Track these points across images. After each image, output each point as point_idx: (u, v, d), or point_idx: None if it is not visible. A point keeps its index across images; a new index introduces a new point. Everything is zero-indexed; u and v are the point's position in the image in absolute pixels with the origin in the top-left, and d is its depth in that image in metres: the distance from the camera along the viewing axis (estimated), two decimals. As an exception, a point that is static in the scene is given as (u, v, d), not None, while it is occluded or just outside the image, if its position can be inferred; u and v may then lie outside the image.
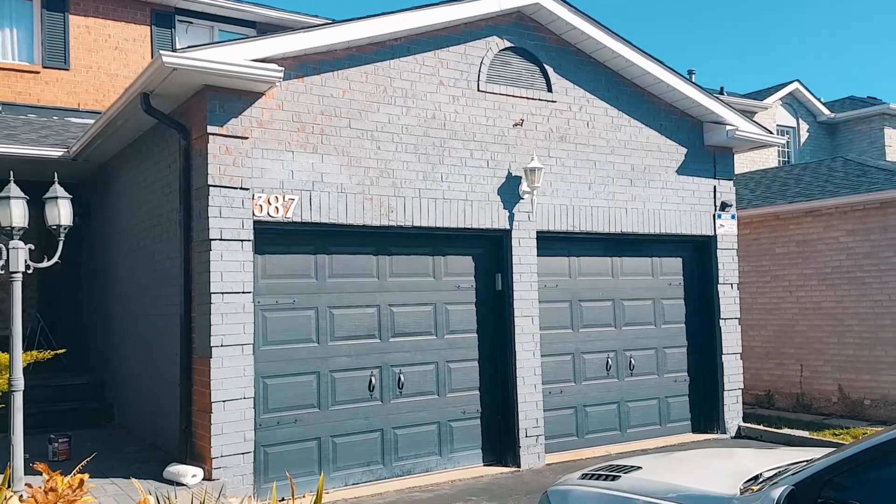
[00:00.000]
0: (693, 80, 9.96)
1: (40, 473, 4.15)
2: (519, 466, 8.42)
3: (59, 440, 7.42)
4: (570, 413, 9.20)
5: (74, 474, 4.27)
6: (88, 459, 4.75)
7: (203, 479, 6.63)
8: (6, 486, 4.32)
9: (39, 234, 11.66)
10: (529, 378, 8.60)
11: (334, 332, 7.74)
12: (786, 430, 10.07)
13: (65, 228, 5.42)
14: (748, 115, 17.03)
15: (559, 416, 9.05)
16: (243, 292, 6.97)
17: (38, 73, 12.44)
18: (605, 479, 4.22)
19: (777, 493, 3.01)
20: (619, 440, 9.43)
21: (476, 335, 8.61)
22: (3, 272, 5.23)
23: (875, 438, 3.21)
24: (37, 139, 10.19)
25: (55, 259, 5.34)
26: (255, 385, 7.07)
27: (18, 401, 5.12)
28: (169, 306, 7.72)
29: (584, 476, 4.46)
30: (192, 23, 13.86)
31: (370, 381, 7.89)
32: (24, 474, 5.48)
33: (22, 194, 5.23)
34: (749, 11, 62.95)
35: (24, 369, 5.72)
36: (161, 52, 6.37)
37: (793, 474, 3.24)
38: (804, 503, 3.00)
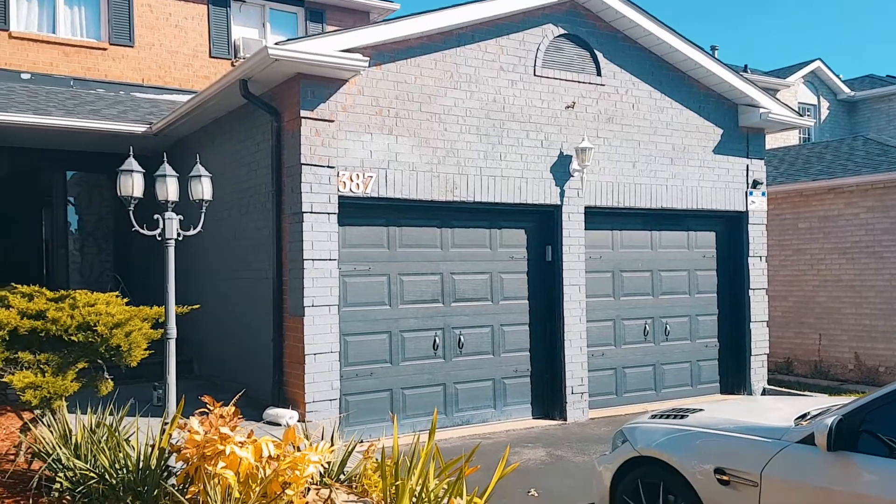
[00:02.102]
0: (717, 57, 10.58)
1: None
2: (565, 420, 9.30)
3: (163, 388, 8.31)
4: (611, 373, 10.06)
5: (228, 405, 5.13)
6: (237, 398, 5.56)
7: (297, 421, 7.53)
8: (180, 414, 5.19)
9: (115, 201, 12.52)
10: (576, 341, 9.44)
11: (403, 297, 8.59)
12: (807, 393, 10.91)
13: (206, 202, 6.25)
14: (771, 92, 17.66)
15: (601, 376, 9.91)
16: (330, 259, 7.81)
17: (105, 49, 13.19)
18: (674, 418, 5.07)
19: (829, 420, 3.82)
20: (654, 399, 10.29)
21: (527, 301, 9.44)
22: (159, 238, 6.06)
23: (904, 382, 4.02)
24: (117, 115, 10.98)
25: (199, 228, 6.18)
26: (339, 341, 7.94)
27: (172, 347, 6.03)
28: (258, 271, 8.58)
29: (653, 416, 5.32)
30: (245, 2, 14.55)
31: (434, 340, 8.75)
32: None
33: (174, 173, 6.04)
34: (769, -16, 62.61)
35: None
36: (266, 45, 7.14)
37: (839, 409, 4.07)
38: (850, 430, 3.82)
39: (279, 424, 7.43)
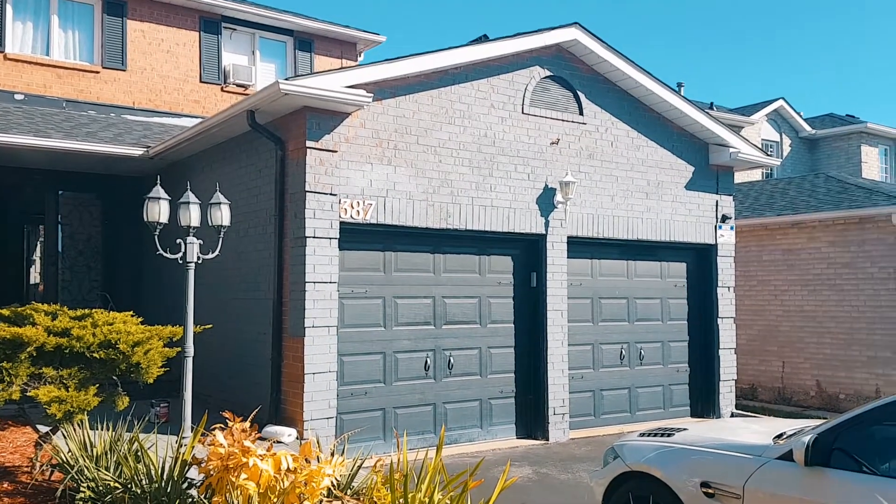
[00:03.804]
0: (682, 94, 11.25)
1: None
2: (547, 440, 9.73)
3: (161, 405, 8.58)
4: (589, 395, 10.53)
5: (242, 421, 5.46)
6: (253, 414, 5.89)
7: (296, 439, 7.84)
8: (203, 428, 5.50)
9: (105, 221, 12.74)
10: (558, 364, 9.90)
11: (398, 319, 8.98)
12: (773, 418, 11.50)
13: (224, 227, 6.59)
14: (736, 129, 18.54)
15: (580, 398, 10.37)
16: (330, 282, 8.19)
17: (98, 72, 13.44)
18: (661, 436, 5.53)
19: (806, 439, 4.31)
20: (629, 421, 10.77)
21: (513, 325, 9.89)
22: (181, 261, 6.39)
23: (870, 405, 4.53)
24: (113, 137, 11.24)
25: (217, 252, 6.51)
26: (336, 361, 8.28)
27: (189, 365, 6.37)
28: (257, 292, 8.90)
29: (641, 435, 5.77)
30: (235, 30, 14.94)
31: (426, 361, 9.14)
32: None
33: (196, 200, 6.38)
34: (737, 28, 64.90)
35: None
36: (278, 80, 7.55)
37: (813, 429, 4.56)
38: (824, 448, 4.30)
39: (279, 442, 7.71)
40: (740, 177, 20.19)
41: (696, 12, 67.63)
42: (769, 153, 17.74)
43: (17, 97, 12.55)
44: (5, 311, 6.10)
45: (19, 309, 6.10)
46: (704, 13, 67.76)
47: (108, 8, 13.52)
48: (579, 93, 10.27)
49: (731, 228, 11.79)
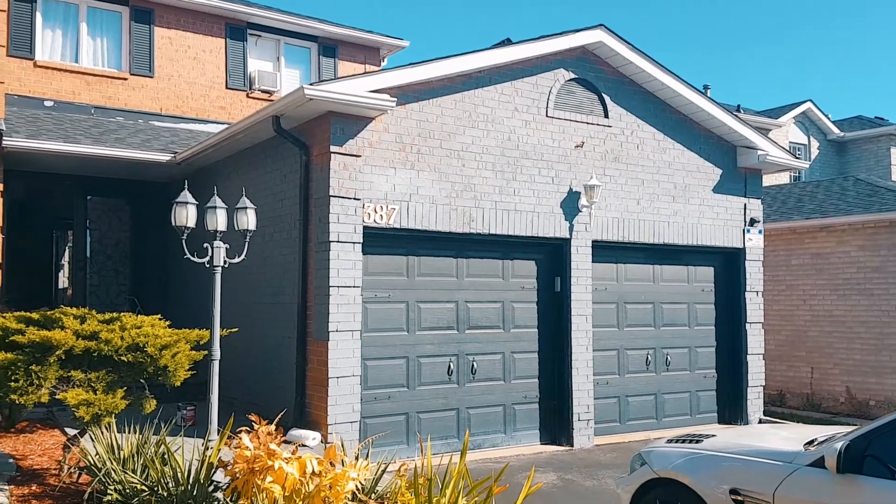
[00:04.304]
0: (712, 98, 11.13)
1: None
2: (572, 446, 9.65)
3: (187, 408, 8.64)
4: (614, 401, 10.44)
5: (268, 425, 5.47)
6: (278, 417, 5.91)
7: (320, 442, 7.85)
8: (229, 431, 5.53)
9: (133, 226, 12.89)
10: (582, 369, 9.83)
11: (421, 323, 8.97)
12: (801, 425, 11.30)
13: (251, 232, 6.65)
14: (763, 132, 18.31)
15: (605, 404, 10.27)
16: (354, 286, 8.20)
17: (125, 79, 13.61)
18: (689, 443, 5.46)
19: (839, 445, 4.23)
20: (655, 427, 10.65)
21: (537, 330, 9.84)
22: (208, 265, 6.45)
23: (903, 411, 4.44)
24: (141, 143, 11.38)
25: (243, 256, 6.57)
26: (360, 365, 8.29)
27: (216, 368, 6.42)
28: (282, 296, 8.94)
29: (669, 441, 5.71)
30: (260, 36, 15.06)
31: (449, 366, 9.12)
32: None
33: (223, 205, 6.44)
34: (762, 30, 64.27)
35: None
36: (303, 85, 7.60)
37: (845, 435, 4.48)
38: (856, 454, 4.22)
39: (304, 445, 7.73)
40: (768, 180, 19.86)
41: (720, 15, 67.08)
42: (797, 156, 17.50)
43: (47, 104, 12.75)
44: (35, 315, 6.18)
45: (48, 313, 6.18)
46: (729, 16, 67.18)
47: (135, 15, 13.70)
48: (604, 95, 10.21)
49: (760, 232, 11.63)
